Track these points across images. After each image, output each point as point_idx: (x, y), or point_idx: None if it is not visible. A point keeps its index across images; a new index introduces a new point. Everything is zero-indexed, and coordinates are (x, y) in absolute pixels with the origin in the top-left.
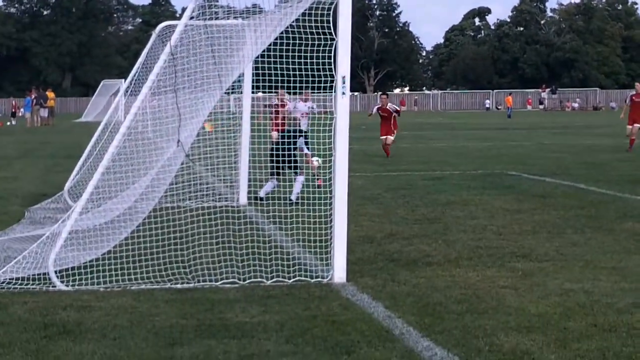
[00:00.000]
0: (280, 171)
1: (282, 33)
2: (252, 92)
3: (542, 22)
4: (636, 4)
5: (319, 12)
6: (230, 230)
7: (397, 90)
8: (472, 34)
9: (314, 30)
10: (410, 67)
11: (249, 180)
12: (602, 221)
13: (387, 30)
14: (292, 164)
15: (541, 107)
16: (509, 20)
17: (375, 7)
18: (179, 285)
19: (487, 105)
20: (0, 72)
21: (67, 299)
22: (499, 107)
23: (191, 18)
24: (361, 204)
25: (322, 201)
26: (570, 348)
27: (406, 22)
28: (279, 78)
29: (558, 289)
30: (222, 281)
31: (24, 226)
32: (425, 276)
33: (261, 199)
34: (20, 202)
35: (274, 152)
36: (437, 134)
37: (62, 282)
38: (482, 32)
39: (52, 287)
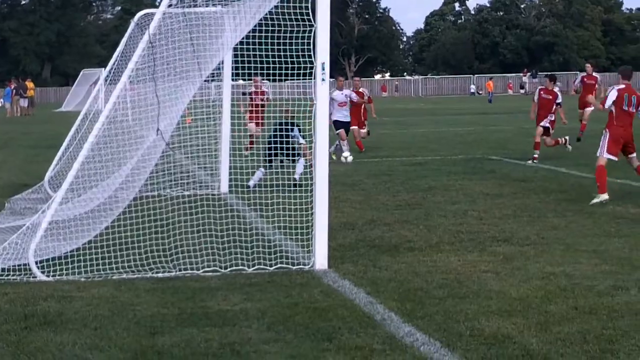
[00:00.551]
0: (273, 160)
1: (261, 20)
2: (232, 80)
3: (522, 6)
4: None
5: None
6: (211, 219)
7: (378, 76)
8: (453, 19)
9: (293, 17)
10: (391, 52)
11: (230, 168)
12: (582, 205)
13: (367, 16)
14: (290, 153)
15: (522, 91)
16: (488, 5)
17: None
18: (160, 274)
19: (472, 90)
20: None
21: (47, 289)
22: (480, 92)
23: (169, 6)
24: (342, 190)
25: (303, 188)
26: (551, 331)
27: (387, 7)
28: (259, 65)
29: (539, 273)
30: (203, 269)
31: (4, 217)
32: (406, 262)
33: (249, 187)
34: (0, 192)
35: (269, 142)
36: (418, 119)
37: (43, 272)
38: (463, 17)
39: (33, 277)
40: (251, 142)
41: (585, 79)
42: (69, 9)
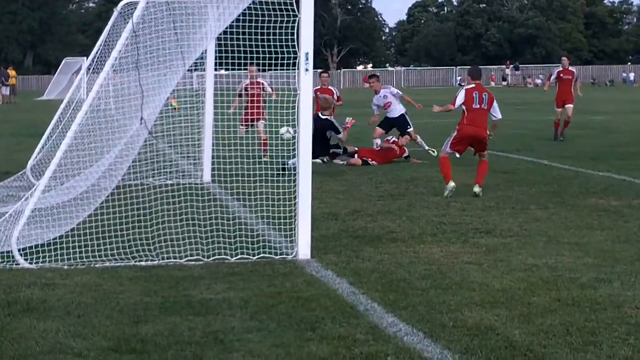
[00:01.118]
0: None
1: (244, 10)
2: (215, 70)
3: None
4: None
5: None
6: (194, 208)
7: (360, 67)
8: (435, 10)
9: (277, 7)
10: (374, 44)
11: (213, 157)
12: (564, 197)
13: (350, 7)
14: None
15: (504, 83)
16: None
17: None
18: (143, 263)
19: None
20: None
21: (30, 276)
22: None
23: None
24: (325, 180)
25: (286, 178)
26: (534, 323)
27: None
28: (242, 55)
29: (522, 265)
30: (186, 258)
31: None
32: (389, 252)
33: (286, 169)
34: None
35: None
36: None
37: (26, 260)
38: (445, 8)
39: (16, 265)
40: (265, 144)
41: (561, 74)
42: None
